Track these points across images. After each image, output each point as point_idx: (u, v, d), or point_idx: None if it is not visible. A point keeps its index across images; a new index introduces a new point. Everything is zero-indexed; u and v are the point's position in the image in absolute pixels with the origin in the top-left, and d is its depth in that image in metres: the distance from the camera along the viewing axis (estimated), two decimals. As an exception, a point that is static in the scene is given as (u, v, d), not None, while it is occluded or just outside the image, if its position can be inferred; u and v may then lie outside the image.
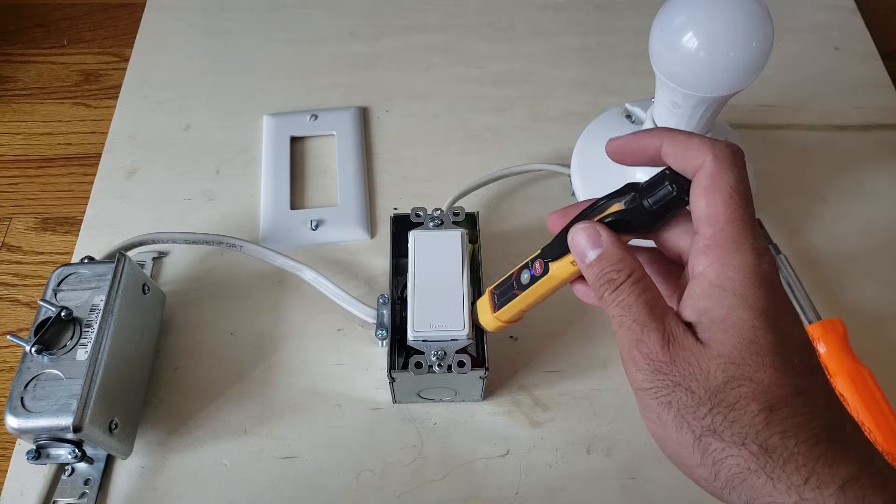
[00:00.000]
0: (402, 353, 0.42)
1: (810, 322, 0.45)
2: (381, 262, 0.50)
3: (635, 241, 0.31)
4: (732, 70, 0.38)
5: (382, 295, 0.44)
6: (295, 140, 0.56)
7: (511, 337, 0.47)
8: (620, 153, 0.31)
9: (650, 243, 0.32)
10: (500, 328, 0.38)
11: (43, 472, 0.40)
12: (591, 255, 0.29)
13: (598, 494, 0.41)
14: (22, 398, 0.37)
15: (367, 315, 0.44)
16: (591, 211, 0.31)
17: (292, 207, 0.53)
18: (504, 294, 0.37)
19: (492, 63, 0.62)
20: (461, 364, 0.39)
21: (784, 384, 0.25)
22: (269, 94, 0.59)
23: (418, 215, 0.44)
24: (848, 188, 0.54)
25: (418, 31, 0.64)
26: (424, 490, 0.42)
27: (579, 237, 0.30)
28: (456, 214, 0.44)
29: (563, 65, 0.62)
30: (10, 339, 0.38)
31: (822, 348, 0.43)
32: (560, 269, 0.32)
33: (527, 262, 0.35)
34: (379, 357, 0.46)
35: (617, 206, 0.31)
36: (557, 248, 0.32)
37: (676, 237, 0.30)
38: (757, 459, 0.25)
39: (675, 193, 0.29)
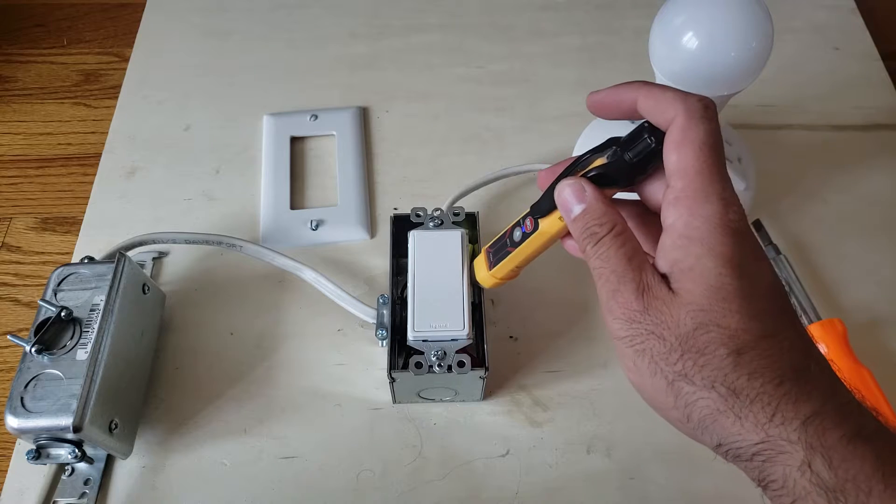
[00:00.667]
0: (402, 353, 0.42)
1: (810, 322, 0.45)
2: (381, 262, 0.50)
3: (622, 195, 0.32)
4: (732, 70, 0.38)
5: (382, 295, 0.44)
6: (295, 140, 0.56)
7: (511, 337, 0.47)
8: (599, 106, 0.32)
9: (635, 196, 0.32)
10: (496, 285, 0.39)
11: (43, 472, 0.40)
12: (576, 210, 0.31)
13: (598, 494, 0.41)
14: (22, 398, 0.37)
15: (367, 315, 0.44)
16: (575, 166, 0.32)
17: (292, 207, 0.53)
18: (498, 252, 0.38)
19: (492, 63, 0.62)
20: (461, 364, 0.39)
21: (751, 328, 0.26)
22: (269, 94, 0.59)
23: (418, 215, 0.44)
24: (848, 188, 0.54)
25: (418, 31, 0.64)
26: (424, 490, 0.42)
27: (565, 193, 0.31)
28: (456, 214, 0.44)
29: (563, 65, 0.61)
30: (10, 339, 0.38)
31: (822, 348, 0.43)
32: (549, 224, 0.33)
33: (519, 220, 0.36)
34: (379, 357, 0.46)
35: (599, 161, 0.31)
36: (546, 204, 0.33)
37: (657, 190, 0.31)
38: (725, 401, 0.26)
39: (653, 146, 0.29)
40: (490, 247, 0.39)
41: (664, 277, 0.28)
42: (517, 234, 0.36)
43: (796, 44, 0.62)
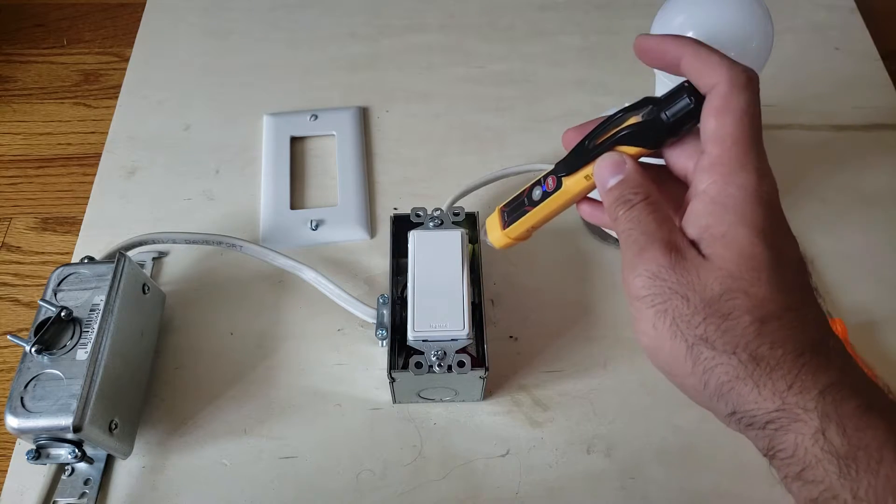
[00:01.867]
0: (402, 353, 0.42)
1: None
2: (381, 262, 0.50)
3: (644, 159, 0.32)
4: (732, 70, 0.38)
5: (382, 295, 0.44)
6: (295, 140, 0.56)
7: (511, 337, 0.47)
8: (644, 51, 0.31)
9: (660, 161, 0.32)
10: (508, 245, 0.38)
11: (43, 472, 0.40)
12: (613, 181, 0.30)
13: (598, 494, 0.41)
14: (22, 398, 0.37)
15: (367, 315, 0.44)
16: (608, 123, 0.32)
17: (292, 207, 0.53)
18: (514, 211, 0.37)
19: (492, 63, 0.62)
20: (461, 364, 0.39)
21: (777, 299, 0.26)
22: (269, 94, 0.59)
23: (418, 215, 0.44)
24: (848, 188, 0.54)
25: (418, 31, 0.64)
26: (424, 490, 0.42)
27: (605, 162, 0.31)
28: (456, 214, 0.44)
29: (563, 65, 0.62)
30: (10, 339, 0.38)
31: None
32: (574, 183, 0.33)
33: (539, 179, 0.35)
34: (379, 357, 0.46)
35: (634, 119, 0.31)
36: (572, 162, 0.33)
37: (687, 156, 0.30)
38: (745, 367, 0.26)
39: (692, 105, 0.29)
40: (505, 206, 0.38)
41: (693, 244, 0.28)
42: (537, 192, 0.35)
43: (796, 44, 0.62)
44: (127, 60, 0.62)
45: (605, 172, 0.31)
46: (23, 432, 0.37)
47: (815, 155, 0.56)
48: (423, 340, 0.39)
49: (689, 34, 0.37)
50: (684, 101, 0.29)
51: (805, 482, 0.25)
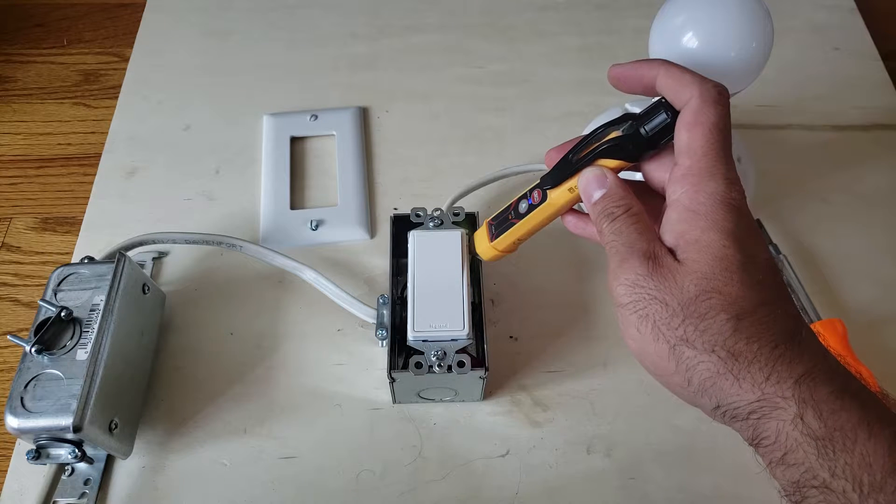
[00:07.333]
0: (402, 353, 0.42)
1: (811, 322, 0.45)
2: (381, 262, 0.50)
3: (625, 175, 0.33)
4: (732, 70, 0.38)
5: (382, 295, 0.44)
6: (295, 140, 0.56)
7: (511, 337, 0.47)
8: (620, 79, 0.34)
9: (639, 176, 0.34)
10: (496, 257, 0.40)
11: (43, 472, 0.40)
12: (597, 194, 0.32)
13: (598, 494, 0.41)
14: (22, 398, 0.37)
15: (367, 315, 0.44)
16: (589, 138, 0.33)
17: (292, 207, 0.53)
18: (501, 224, 0.39)
19: (492, 63, 0.62)
20: (461, 364, 0.39)
21: (750, 296, 0.28)
22: (269, 94, 0.59)
23: (418, 215, 0.44)
24: (848, 188, 0.54)
25: (418, 31, 0.64)
26: (424, 490, 0.42)
27: (589, 177, 0.33)
28: (456, 214, 0.44)
29: (563, 65, 0.61)
30: (10, 339, 0.38)
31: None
32: (559, 196, 0.35)
33: (525, 193, 0.37)
34: (379, 357, 0.46)
35: (615, 133, 0.33)
36: (557, 175, 0.34)
37: (663, 168, 0.32)
38: (725, 363, 0.28)
39: (669, 120, 0.31)
40: (492, 219, 0.40)
41: (670, 251, 0.30)
42: (523, 205, 0.37)
43: (796, 44, 0.62)
44: (127, 60, 0.62)
45: (590, 187, 0.33)
46: (23, 432, 0.37)
47: (815, 155, 0.56)
48: (423, 340, 0.39)
49: (689, 34, 0.38)
50: (662, 116, 0.31)
51: (787, 466, 0.27)
